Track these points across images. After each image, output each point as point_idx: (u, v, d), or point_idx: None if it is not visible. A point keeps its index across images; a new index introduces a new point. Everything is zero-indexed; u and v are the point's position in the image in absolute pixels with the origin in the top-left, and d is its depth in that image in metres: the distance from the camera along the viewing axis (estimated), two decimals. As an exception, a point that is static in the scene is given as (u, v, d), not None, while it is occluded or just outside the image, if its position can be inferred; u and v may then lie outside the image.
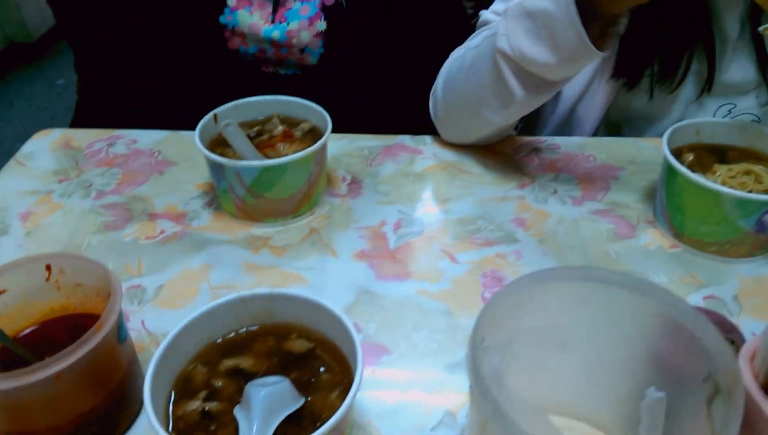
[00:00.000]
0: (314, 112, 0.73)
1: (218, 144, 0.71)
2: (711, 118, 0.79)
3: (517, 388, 0.43)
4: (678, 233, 0.68)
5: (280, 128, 0.73)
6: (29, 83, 2.83)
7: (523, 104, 0.71)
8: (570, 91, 0.88)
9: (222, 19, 0.91)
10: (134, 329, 0.57)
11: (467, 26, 1.03)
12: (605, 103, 0.87)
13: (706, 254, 0.67)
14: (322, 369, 0.47)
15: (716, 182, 0.66)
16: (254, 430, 0.41)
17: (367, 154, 0.82)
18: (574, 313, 0.43)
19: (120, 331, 0.46)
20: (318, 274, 0.64)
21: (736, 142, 0.72)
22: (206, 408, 0.44)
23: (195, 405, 0.44)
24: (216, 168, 0.68)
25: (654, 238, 0.69)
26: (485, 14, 0.78)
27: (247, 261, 0.65)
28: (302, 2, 0.92)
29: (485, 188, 0.77)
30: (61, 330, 0.51)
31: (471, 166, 0.80)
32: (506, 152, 0.83)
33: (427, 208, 0.74)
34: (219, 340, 0.48)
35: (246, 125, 0.74)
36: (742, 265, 0.66)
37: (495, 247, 0.68)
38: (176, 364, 0.46)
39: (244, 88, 0.86)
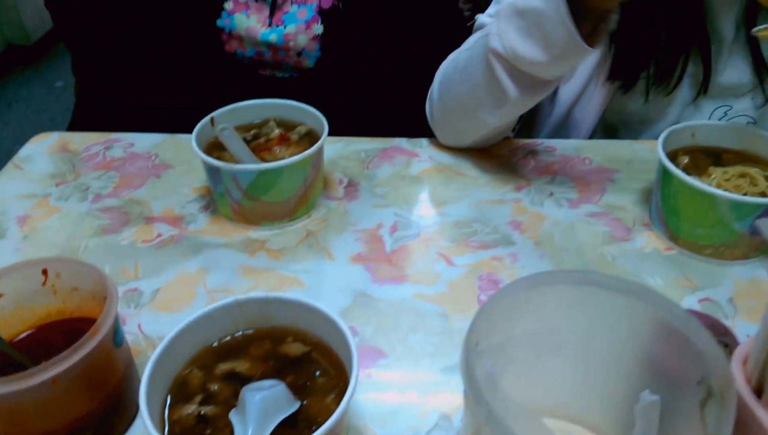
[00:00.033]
0: (311, 116, 0.73)
1: (215, 147, 0.71)
2: (706, 121, 0.79)
3: (512, 391, 0.43)
4: (673, 236, 0.68)
5: (277, 131, 0.74)
6: (27, 85, 2.83)
7: (518, 103, 0.71)
8: (566, 94, 0.88)
9: (219, 22, 0.91)
10: (131, 333, 0.57)
11: (465, 27, 1.04)
12: (601, 106, 0.87)
13: (702, 257, 0.67)
14: (317, 373, 0.47)
15: (711, 185, 0.66)
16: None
17: (364, 157, 0.83)
18: (568, 317, 0.44)
19: (116, 335, 0.47)
20: (314, 277, 0.64)
21: (732, 144, 0.73)
22: (202, 412, 0.44)
23: (191, 409, 0.44)
24: (212, 171, 0.68)
25: (649, 241, 0.69)
26: (481, 18, 0.79)
27: (243, 264, 0.66)
28: (299, 6, 0.92)
29: (481, 191, 0.77)
30: (57, 334, 0.51)
31: (467, 168, 0.81)
32: (503, 155, 0.83)
33: (424, 211, 0.74)
34: (215, 344, 0.49)
35: (243, 128, 0.74)
36: (737, 267, 0.66)
37: (491, 249, 0.68)
38: (172, 367, 0.46)
39: (242, 90, 0.86)
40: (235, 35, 0.91)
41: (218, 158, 0.68)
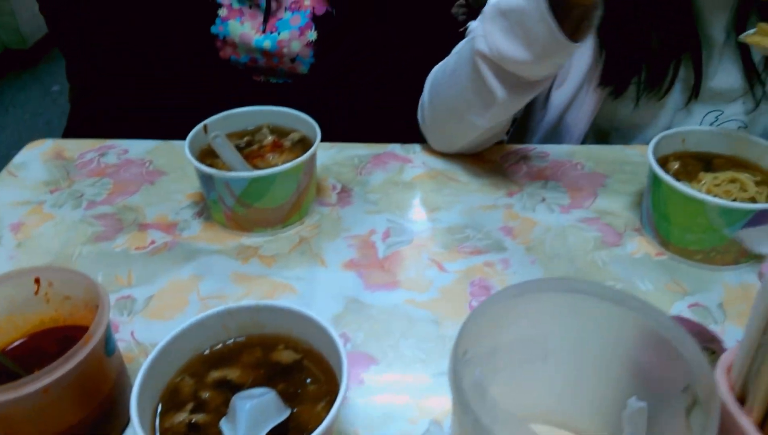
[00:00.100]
0: (304, 123, 0.74)
1: (208, 154, 0.71)
2: (697, 127, 0.79)
3: (501, 398, 0.43)
4: (664, 241, 0.69)
5: (270, 138, 0.74)
6: (24, 90, 2.83)
7: (506, 105, 0.71)
8: (558, 100, 0.88)
9: (213, 29, 0.91)
10: (123, 340, 0.58)
11: (457, 32, 1.04)
12: (593, 112, 0.88)
13: (692, 262, 0.67)
14: (308, 380, 0.47)
15: (701, 191, 0.66)
16: (240, 442, 0.41)
17: (357, 163, 0.83)
18: (556, 325, 0.44)
19: (108, 344, 0.47)
20: (307, 283, 0.65)
21: (722, 150, 0.73)
22: (193, 420, 0.44)
23: (182, 417, 0.44)
24: (206, 179, 0.68)
25: (640, 246, 0.70)
26: (473, 24, 0.79)
27: (236, 271, 0.66)
28: (293, 12, 0.93)
29: (474, 196, 0.77)
30: (50, 342, 0.52)
31: (460, 174, 0.81)
32: (495, 160, 0.84)
33: (416, 217, 0.74)
34: (206, 352, 0.49)
35: (236, 135, 0.75)
36: (727, 272, 0.66)
37: (483, 255, 0.68)
38: (164, 376, 0.46)
39: (236, 96, 0.87)
40: (230, 42, 0.92)
41: (211, 165, 0.69)
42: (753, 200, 0.66)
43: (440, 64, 0.80)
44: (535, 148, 0.86)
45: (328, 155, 0.84)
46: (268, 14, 0.92)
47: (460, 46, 0.75)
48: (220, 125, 0.73)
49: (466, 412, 0.35)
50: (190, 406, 0.45)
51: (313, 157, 0.71)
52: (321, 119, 0.74)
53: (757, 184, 0.68)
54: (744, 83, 0.86)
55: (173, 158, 0.83)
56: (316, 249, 0.69)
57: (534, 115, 0.94)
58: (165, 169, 0.81)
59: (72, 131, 1.03)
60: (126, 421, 0.51)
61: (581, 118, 0.88)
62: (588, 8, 0.63)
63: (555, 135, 0.91)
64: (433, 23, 1.03)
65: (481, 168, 0.82)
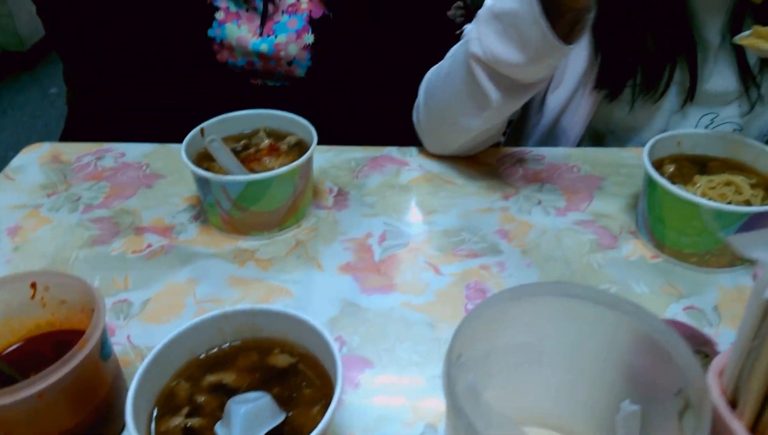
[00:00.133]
0: (300, 126, 0.74)
1: (205, 158, 0.72)
2: (692, 130, 0.79)
3: (496, 401, 0.43)
4: (659, 244, 0.69)
5: (267, 142, 0.74)
6: (22, 92, 2.83)
7: (500, 108, 0.71)
8: (554, 103, 0.89)
9: (210, 32, 0.92)
10: (120, 344, 0.58)
11: (454, 33, 1.05)
12: (589, 114, 0.88)
13: (687, 265, 0.67)
14: (304, 384, 0.47)
15: (696, 194, 0.67)
16: (235, 447, 0.41)
17: (354, 166, 0.83)
18: (550, 328, 0.44)
19: (103, 348, 0.47)
20: (303, 287, 0.65)
21: (717, 152, 0.73)
22: (188, 424, 0.44)
23: (177, 421, 0.44)
24: (202, 182, 0.69)
25: (636, 249, 0.70)
26: (468, 27, 0.79)
27: (232, 275, 0.66)
28: (290, 15, 0.93)
29: (470, 199, 0.77)
30: (46, 346, 0.52)
31: (456, 177, 0.81)
32: (491, 163, 0.84)
33: (412, 220, 0.75)
34: (202, 356, 0.49)
35: (233, 139, 0.75)
36: (722, 275, 0.67)
37: (479, 258, 0.69)
38: (159, 380, 0.46)
39: (233, 100, 0.87)
40: (227, 45, 0.92)
41: (208, 168, 0.69)
42: (748, 203, 0.66)
43: (435, 67, 0.81)
44: (531, 150, 0.86)
45: (325, 158, 0.84)
46: (265, 17, 0.92)
47: (455, 49, 0.75)
48: (217, 129, 0.74)
49: (460, 417, 0.35)
50: (185, 410, 0.45)
51: (310, 160, 0.71)
52: (318, 122, 0.74)
53: (753, 186, 0.68)
54: (739, 86, 0.86)
55: (170, 161, 0.83)
56: (312, 252, 0.69)
57: (530, 118, 0.94)
58: (162, 172, 0.82)
59: (69, 134, 1.03)
60: (121, 426, 0.51)
61: (577, 121, 0.88)
62: (581, 11, 0.64)
63: (551, 138, 0.92)
64: (430, 24, 1.03)
65: (477, 171, 0.82)
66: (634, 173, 0.81)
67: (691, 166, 0.73)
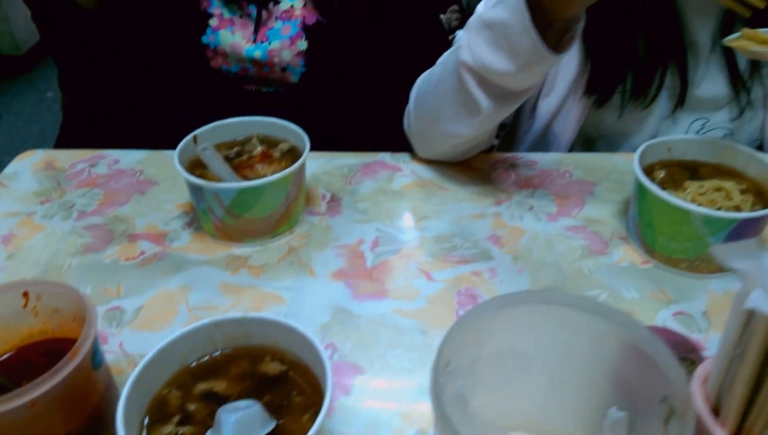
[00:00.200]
0: (293, 133, 0.74)
1: (198, 164, 0.72)
2: (683, 136, 0.80)
3: (483, 408, 0.44)
4: (649, 249, 0.69)
5: (259, 149, 0.74)
6: (18, 96, 2.83)
7: (491, 115, 0.72)
8: (545, 108, 0.89)
9: (204, 39, 0.92)
10: (112, 352, 0.58)
11: (448, 36, 1.05)
12: (580, 120, 0.88)
13: (677, 270, 0.68)
14: (294, 392, 0.48)
15: (686, 199, 0.67)
16: (225, 455, 0.42)
17: (347, 172, 0.84)
18: (538, 336, 0.45)
19: (95, 358, 0.47)
20: (296, 293, 0.65)
21: (708, 158, 0.74)
22: (179, 432, 0.45)
23: (168, 429, 0.45)
24: (195, 189, 0.69)
25: (626, 255, 0.70)
26: (460, 33, 0.80)
27: (225, 281, 0.66)
28: (283, 22, 0.93)
29: (462, 205, 0.78)
30: (38, 354, 0.52)
31: (449, 183, 0.82)
32: (484, 169, 0.84)
33: (405, 226, 0.75)
34: (193, 364, 0.49)
35: (226, 145, 0.75)
36: (713, 280, 0.67)
37: (470, 264, 0.69)
38: (150, 388, 0.47)
39: (227, 105, 0.87)
40: (220, 51, 0.92)
41: (201, 175, 0.69)
42: (738, 209, 0.67)
43: (426, 73, 0.81)
44: (523, 156, 0.87)
45: (317, 164, 0.85)
46: (258, 24, 0.93)
47: (446, 56, 0.76)
48: (210, 136, 0.74)
49: (446, 425, 0.36)
50: (176, 418, 0.46)
51: (302, 167, 0.71)
52: (312, 128, 0.74)
53: (743, 192, 0.69)
54: (730, 91, 0.86)
55: (164, 168, 0.84)
56: (305, 259, 0.70)
57: (521, 124, 0.95)
58: (156, 178, 0.82)
59: (64, 139, 1.04)
60: (114, 434, 0.51)
61: (568, 126, 0.89)
62: (570, 21, 0.64)
63: (543, 143, 0.92)
64: (425, 27, 1.03)
65: (469, 176, 0.83)
66: (625, 178, 0.81)
67: (681, 172, 0.73)
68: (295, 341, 0.48)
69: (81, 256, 0.69)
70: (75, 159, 0.86)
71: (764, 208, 0.65)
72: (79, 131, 1.04)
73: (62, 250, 0.70)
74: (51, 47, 1.06)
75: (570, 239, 0.72)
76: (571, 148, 0.92)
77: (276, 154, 0.74)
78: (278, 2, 0.93)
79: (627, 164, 0.84)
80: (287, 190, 0.70)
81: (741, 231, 0.64)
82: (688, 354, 0.50)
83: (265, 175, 0.70)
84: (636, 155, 0.69)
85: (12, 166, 0.84)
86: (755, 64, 0.85)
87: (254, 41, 0.92)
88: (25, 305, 0.51)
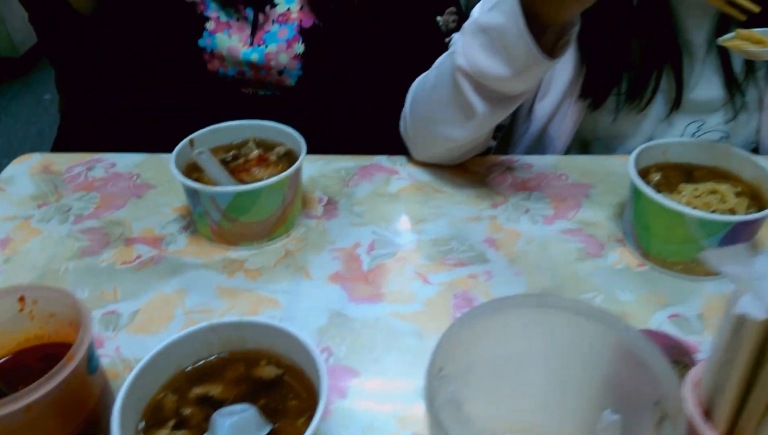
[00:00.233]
0: (289, 137, 0.75)
1: (195, 168, 0.72)
2: (678, 139, 0.80)
3: (478, 412, 0.44)
4: (645, 252, 0.70)
5: (256, 152, 0.75)
6: (16, 98, 2.83)
7: (486, 119, 0.72)
8: (541, 111, 0.89)
9: (201, 42, 0.92)
10: (108, 356, 0.58)
11: (444, 41, 1.05)
12: (575, 123, 0.89)
13: (673, 273, 0.68)
14: (290, 396, 0.48)
15: (681, 202, 0.67)
16: (220, 459, 0.42)
17: (344, 175, 0.84)
18: (532, 340, 0.45)
19: (90, 362, 0.47)
20: (292, 297, 0.65)
21: (703, 161, 0.74)
22: (174, 437, 0.45)
23: (164, 434, 0.45)
24: (191, 193, 0.69)
25: (622, 257, 0.70)
26: (456, 37, 0.80)
27: (221, 285, 0.66)
28: (280, 25, 0.93)
29: (459, 208, 0.78)
30: (35, 359, 0.52)
31: (446, 185, 0.82)
32: (480, 172, 0.84)
33: (401, 229, 0.75)
34: (189, 368, 0.49)
35: (222, 149, 0.75)
36: (708, 283, 0.67)
37: (467, 267, 0.69)
38: (146, 393, 0.47)
39: (224, 108, 0.87)
40: (217, 55, 0.93)
41: (198, 179, 0.69)
42: (733, 211, 0.67)
43: (421, 76, 0.81)
44: (520, 159, 0.87)
45: (315, 167, 0.85)
46: (255, 27, 0.93)
47: (441, 60, 0.76)
48: (207, 139, 0.74)
49: (440, 430, 0.36)
50: (172, 422, 0.46)
51: (299, 171, 0.71)
52: (309, 130, 0.74)
53: (738, 195, 0.69)
54: (725, 94, 0.87)
55: (161, 171, 0.84)
56: (301, 262, 0.70)
57: (518, 127, 0.95)
58: (153, 182, 0.82)
59: (62, 141, 1.04)
60: (110, 438, 0.51)
61: (564, 129, 0.89)
62: (565, 26, 0.64)
63: (539, 146, 0.92)
64: (423, 28, 1.04)
65: (466, 179, 0.83)
66: (621, 181, 0.81)
67: (677, 175, 0.73)
68: (291, 345, 0.49)
69: (78, 259, 0.69)
70: (72, 162, 0.86)
71: (759, 210, 0.65)
72: (76, 133, 1.04)
73: (59, 254, 0.70)
74: (48, 50, 1.06)
75: (566, 242, 0.72)
76: (568, 151, 0.92)
77: (272, 157, 0.74)
78: (275, 5, 0.94)
79: (623, 167, 0.84)
80: (284, 193, 0.70)
81: (736, 234, 0.64)
82: (681, 357, 0.50)
83: (261, 179, 0.70)
84: (631, 158, 0.70)
85: (9, 170, 0.85)
86: (750, 67, 0.85)
87: (251, 44, 0.92)
88: (22, 310, 0.51)
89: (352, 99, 0.97)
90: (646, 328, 0.61)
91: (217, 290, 0.66)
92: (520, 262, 0.70)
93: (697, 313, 0.63)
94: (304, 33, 0.93)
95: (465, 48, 0.69)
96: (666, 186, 0.71)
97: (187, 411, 0.47)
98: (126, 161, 0.86)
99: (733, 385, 0.36)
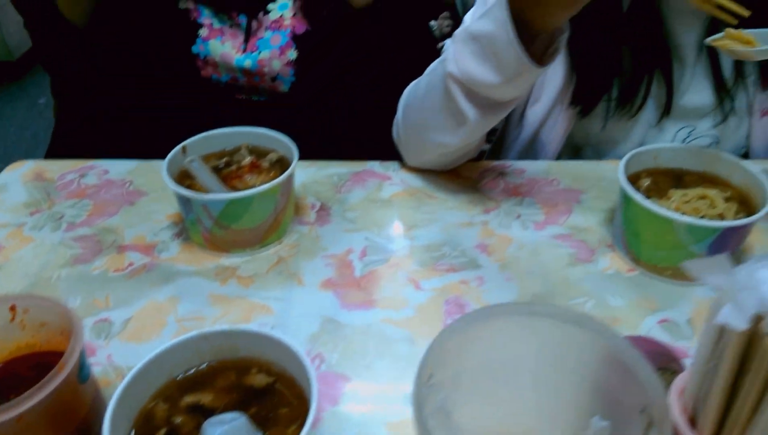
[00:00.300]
0: (281, 143, 0.75)
1: (187, 175, 0.72)
2: (669, 144, 0.81)
3: (467, 420, 0.44)
4: (635, 257, 0.70)
5: (248, 159, 0.75)
6: (11, 102, 2.82)
7: (478, 125, 0.73)
8: (533, 117, 0.90)
9: (194, 48, 0.92)
10: (100, 364, 0.58)
11: (436, 47, 1.06)
12: (567, 129, 0.89)
13: (663, 278, 0.68)
14: (281, 404, 0.48)
15: (671, 208, 0.68)
16: (210, 468, 0.42)
17: (337, 181, 0.84)
18: (520, 347, 0.45)
19: (81, 372, 0.47)
20: (284, 304, 0.66)
21: (693, 166, 0.75)
22: (165, 445, 0.45)
23: (154, 442, 0.45)
24: (183, 201, 0.69)
25: (612, 263, 0.71)
26: (448, 43, 0.80)
27: (214, 292, 0.67)
28: (273, 31, 0.94)
29: (451, 214, 0.78)
30: (27, 368, 0.52)
31: (438, 191, 0.82)
32: (472, 177, 0.85)
33: (394, 235, 0.75)
34: (180, 377, 0.50)
35: (215, 156, 0.76)
36: (697, 288, 0.68)
37: (459, 273, 0.69)
38: (137, 401, 0.47)
39: (218, 114, 0.87)
40: (210, 61, 0.93)
41: (190, 186, 0.70)
42: (722, 217, 0.68)
43: (413, 83, 0.82)
44: (512, 164, 0.87)
45: (307, 173, 0.85)
46: (248, 34, 0.93)
47: (433, 67, 0.77)
48: (199, 146, 0.74)
49: (427, 438, 0.36)
50: (162, 431, 0.46)
51: (291, 177, 0.72)
52: (302, 136, 0.75)
53: (727, 200, 0.70)
54: (715, 99, 0.87)
55: (154, 178, 0.84)
56: (293, 268, 0.70)
57: (510, 132, 0.95)
58: (145, 189, 0.82)
59: (57, 145, 1.04)
60: (102, 446, 0.51)
61: (555, 135, 0.89)
62: (554, 33, 0.65)
63: (531, 151, 0.93)
64: (417, 33, 1.04)
65: (458, 185, 0.83)
66: (612, 187, 0.81)
67: (666, 180, 0.74)
68: (282, 353, 0.49)
69: (70, 267, 0.70)
70: (65, 169, 0.86)
71: (748, 216, 0.66)
72: (71, 138, 1.04)
73: (51, 262, 0.70)
74: (42, 55, 1.06)
75: (557, 247, 0.73)
76: (559, 156, 0.93)
77: (265, 164, 0.75)
78: (268, 12, 0.94)
79: (614, 172, 0.84)
80: (276, 200, 0.70)
81: (725, 239, 0.64)
82: (670, 363, 0.51)
83: (254, 186, 0.70)
84: (621, 164, 0.70)
85: (1, 177, 0.85)
86: (740, 72, 0.86)
87: (244, 51, 0.93)
88: (13, 319, 0.51)
89: (349, 100, 0.97)
90: (636, 333, 0.62)
91: (210, 297, 0.66)
92: (511, 268, 0.70)
93: (686, 318, 0.64)
94: (297, 39, 0.94)
95: (456, 55, 0.69)
96: (656, 191, 0.72)
97: (178, 419, 0.47)
98: (119, 168, 0.86)
99: (716, 393, 0.36)
